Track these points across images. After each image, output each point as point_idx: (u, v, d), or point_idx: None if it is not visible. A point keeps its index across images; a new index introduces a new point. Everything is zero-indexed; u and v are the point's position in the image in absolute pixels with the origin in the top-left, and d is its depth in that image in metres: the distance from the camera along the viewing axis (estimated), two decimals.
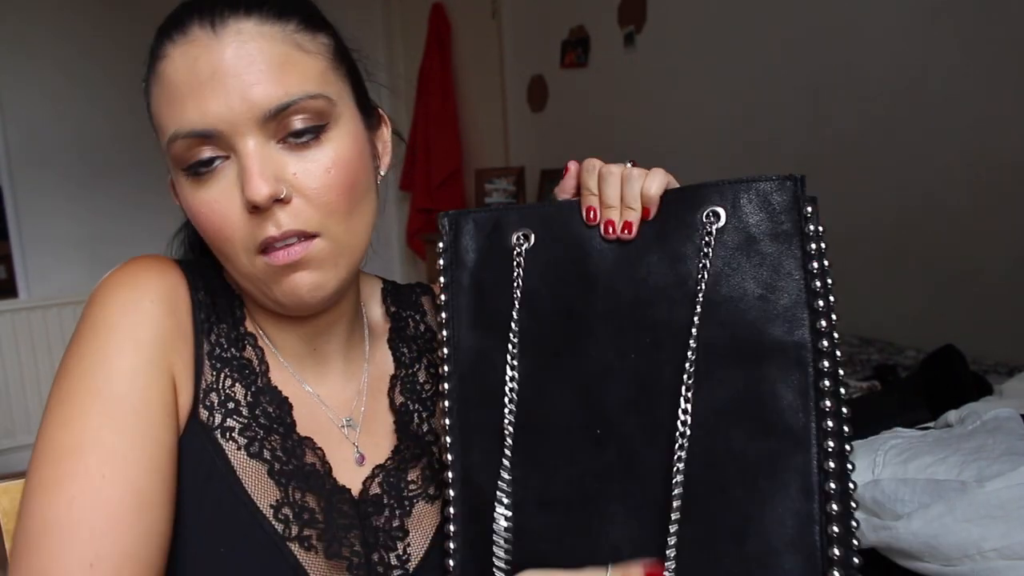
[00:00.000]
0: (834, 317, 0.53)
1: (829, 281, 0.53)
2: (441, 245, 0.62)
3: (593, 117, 3.22)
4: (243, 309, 0.70)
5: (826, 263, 0.53)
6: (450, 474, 0.62)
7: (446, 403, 0.63)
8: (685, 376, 0.51)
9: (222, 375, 0.65)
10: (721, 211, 0.54)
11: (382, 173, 0.70)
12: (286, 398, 0.67)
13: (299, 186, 0.60)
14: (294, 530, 0.63)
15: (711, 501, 0.51)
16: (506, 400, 0.58)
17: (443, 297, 0.63)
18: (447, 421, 0.62)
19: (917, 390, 1.32)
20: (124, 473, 0.56)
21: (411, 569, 0.67)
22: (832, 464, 0.49)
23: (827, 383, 0.50)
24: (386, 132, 0.71)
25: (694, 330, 0.52)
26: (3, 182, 3.44)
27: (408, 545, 0.68)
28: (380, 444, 0.72)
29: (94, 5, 3.53)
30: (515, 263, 0.58)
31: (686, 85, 2.84)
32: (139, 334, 0.60)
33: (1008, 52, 1.99)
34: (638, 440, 0.53)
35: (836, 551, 0.48)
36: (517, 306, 0.57)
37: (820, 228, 0.53)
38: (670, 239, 0.55)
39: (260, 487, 0.63)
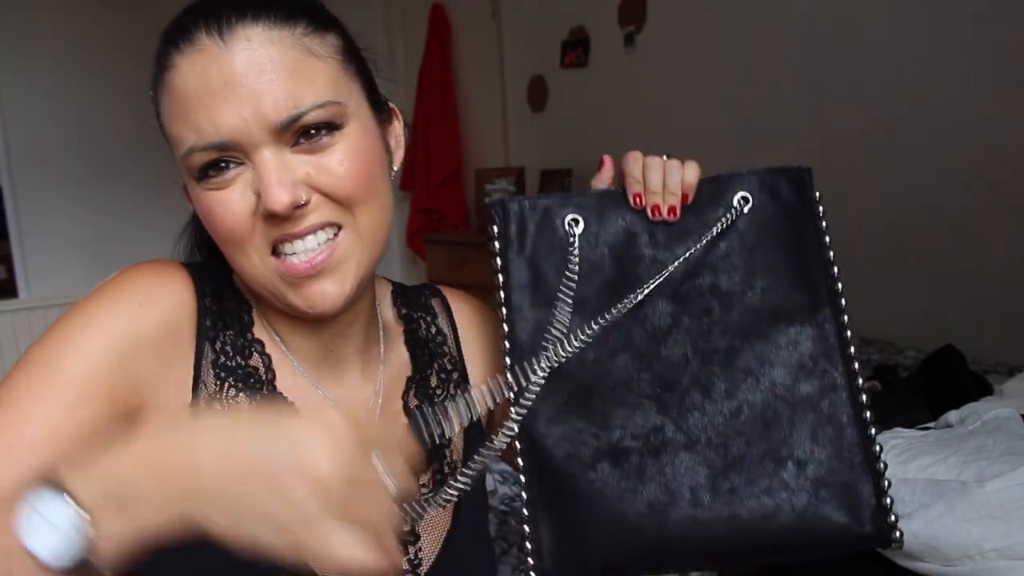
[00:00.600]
0: (840, 283, 0.64)
1: (832, 252, 0.65)
2: (496, 229, 0.64)
3: (593, 117, 3.22)
4: (251, 314, 0.68)
5: (828, 238, 0.65)
6: (518, 444, 0.61)
7: (511, 389, 0.60)
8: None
9: (226, 384, 0.64)
10: (749, 196, 0.64)
11: (395, 168, 0.69)
12: (292, 404, 0.66)
13: (316, 184, 0.60)
14: None
15: (771, 438, 0.60)
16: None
17: (500, 278, 0.65)
18: (514, 410, 0.61)
19: (917, 390, 1.33)
20: (30, 442, 0.54)
21: (423, 573, 0.67)
22: (864, 398, 0.61)
23: (848, 333, 0.62)
24: (398, 127, 0.71)
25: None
26: (3, 182, 3.43)
27: (419, 549, 0.68)
28: None
29: (94, 4, 3.53)
30: (570, 245, 0.62)
31: (686, 85, 2.83)
32: (114, 326, 0.59)
33: (1009, 52, 1.99)
34: (696, 395, 0.61)
35: (880, 466, 0.61)
36: (575, 283, 0.61)
37: (823, 209, 0.65)
38: (709, 220, 0.63)
39: None
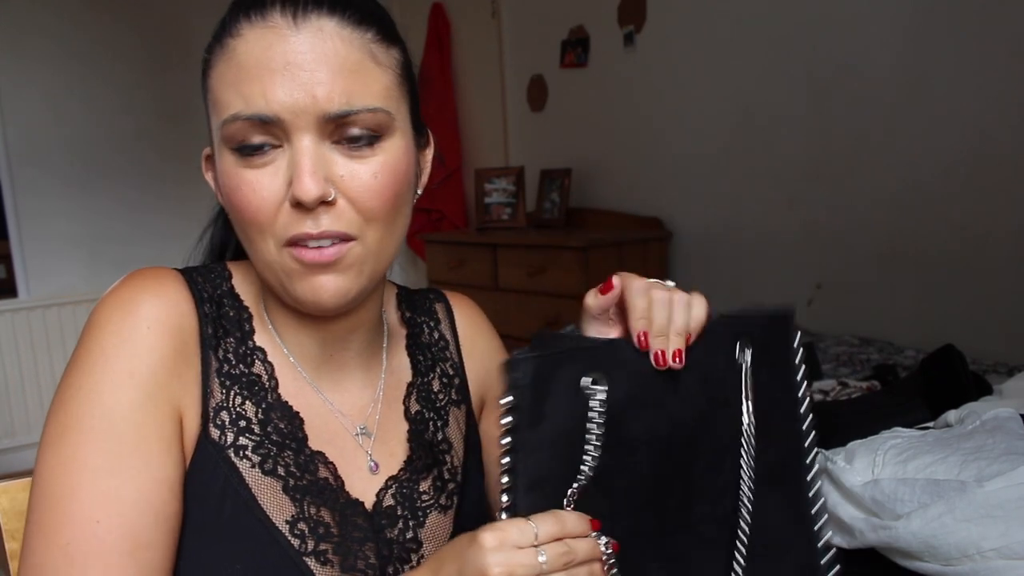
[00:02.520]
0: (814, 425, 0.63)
1: (808, 395, 0.64)
2: (512, 399, 0.53)
3: (593, 117, 3.22)
4: (251, 322, 0.68)
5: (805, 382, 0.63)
6: None
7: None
8: (744, 483, 0.60)
9: (231, 392, 0.64)
10: (749, 343, 0.60)
11: (419, 192, 0.70)
12: (297, 412, 0.67)
13: (345, 188, 0.60)
14: (310, 545, 0.63)
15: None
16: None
17: (506, 460, 0.53)
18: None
19: (917, 390, 1.32)
20: (119, 516, 0.57)
21: None
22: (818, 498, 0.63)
23: (815, 491, 0.63)
24: (429, 153, 0.72)
25: (742, 449, 0.59)
26: (3, 182, 3.43)
27: (422, 556, 0.68)
28: (394, 453, 0.72)
29: (92, 8, 3.53)
30: (596, 412, 0.54)
31: (686, 85, 2.84)
32: (135, 366, 0.59)
33: (1009, 52, 1.99)
34: (706, 532, 0.60)
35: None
36: (598, 450, 0.54)
37: (800, 357, 0.63)
38: (714, 366, 0.60)
39: (275, 503, 0.63)
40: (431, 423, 0.75)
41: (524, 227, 3.29)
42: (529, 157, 3.49)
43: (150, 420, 0.59)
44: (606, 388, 0.54)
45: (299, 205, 0.58)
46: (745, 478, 0.59)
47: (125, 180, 3.63)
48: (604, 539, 0.52)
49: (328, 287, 0.61)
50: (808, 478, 0.62)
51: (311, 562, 0.62)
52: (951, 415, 1.05)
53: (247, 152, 0.59)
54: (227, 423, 0.63)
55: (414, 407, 0.74)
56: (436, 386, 0.77)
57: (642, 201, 3.06)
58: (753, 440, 0.59)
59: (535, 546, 0.49)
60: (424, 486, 0.71)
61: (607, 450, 0.54)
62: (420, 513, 0.69)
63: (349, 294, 0.62)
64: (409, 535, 0.68)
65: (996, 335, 2.03)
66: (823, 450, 0.96)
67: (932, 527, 0.79)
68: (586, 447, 0.53)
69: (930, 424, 1.11)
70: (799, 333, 0.63)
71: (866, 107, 2.30)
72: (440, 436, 0.75)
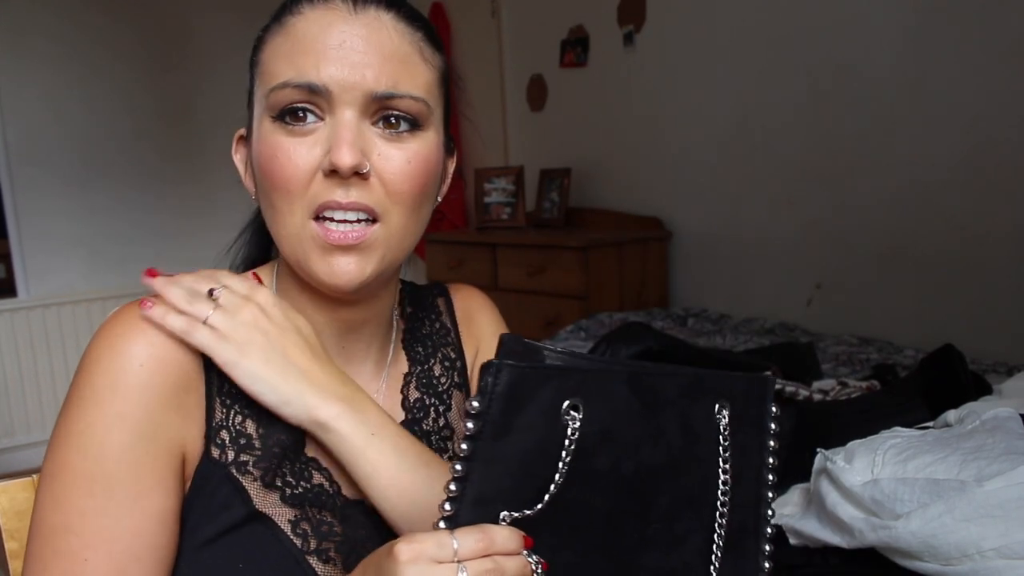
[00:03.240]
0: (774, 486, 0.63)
1: (775, 463, 0.63)
2: (476, 405, 0.47)
3: (593, 117, 3.23)
4: None
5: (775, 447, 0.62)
6: None
7: None
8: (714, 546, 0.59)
9: (232, 411, 0.65)
10: (728, 403, 0.58)
11: (439, 199, 0.73)
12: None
13: (380, 168, 0.62)
14: (312, 544, 0.63)
15: None
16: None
17: (459, 468, 0.48)
18: None
19: (917, 390, 1.32)
20: (107, 555, 0.58)
21: None
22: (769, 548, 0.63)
23: (768, 532, 0.62)
24: (452, 164, 0.74)
25: (716, 511, 0.58)
26: (2, 181, 3.43)
27: None
28: None
29: (92, 8, 3.53)
30: (569, 440, 0.50)
31: (686, 85, 2.84)
32: (126, 408, 0.59)
33: (1008, 52, 1.99)
34: None
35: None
36: (559, 481, 0.50)
37: (773, 417, 0.62)
38: (695, 418, 0.57)
39: (277, 510, 0.64)
40: (432, 409, 0.75)
41: (524, 227, 3.29)
42: (529, 157, 3.50)
43: (143, 458, 0.60)
44: (581, 417, 0.49)
45: (333, 174, 0.60)
46: (716, 539, 0.58)
47: (125, 180, 3.63)
48: (535, 557, 0.49)
49: (347, 268, 0.62)
50: (764, 549, 0.62)
51: (313, 560, 0.63)
52: (951, 415, 1.05)
53: (289, 121, 0.61)
54: (227, 442, 0.64)
55: (413, 395, 0.75)
56: (438, 370, 0.78)
57: (642, 201, 3.06)
58: (728, 500, 0.58)
59: (457, 561, 0.46)
60: None
61: (567, 481, 0.50)
62: None
63: (365, 275, 0.63)
64: None
65: (996, 335, 2.03)
66: (823, 450, 0.96)
67: (932, 527, 0.79)
68: (555, 475, 0.49)
69: (930, 424, 1.11)
70: (774, 403, 0.62)
71: (866, 107, 2.30)
72: (442, 422, 0.75)
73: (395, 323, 0.77)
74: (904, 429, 1.02)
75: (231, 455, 0.64)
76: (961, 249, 2.14)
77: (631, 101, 3.05)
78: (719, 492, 0.58)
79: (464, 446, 0.47)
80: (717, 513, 0.58)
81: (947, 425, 1.04)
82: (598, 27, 3.14)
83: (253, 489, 0.63)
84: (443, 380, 0.77)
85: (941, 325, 2.14)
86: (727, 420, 0.58)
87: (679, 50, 2.84)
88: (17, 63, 3.41)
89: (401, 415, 0.74)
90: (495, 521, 0.49)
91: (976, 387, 1.32)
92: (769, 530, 0.62)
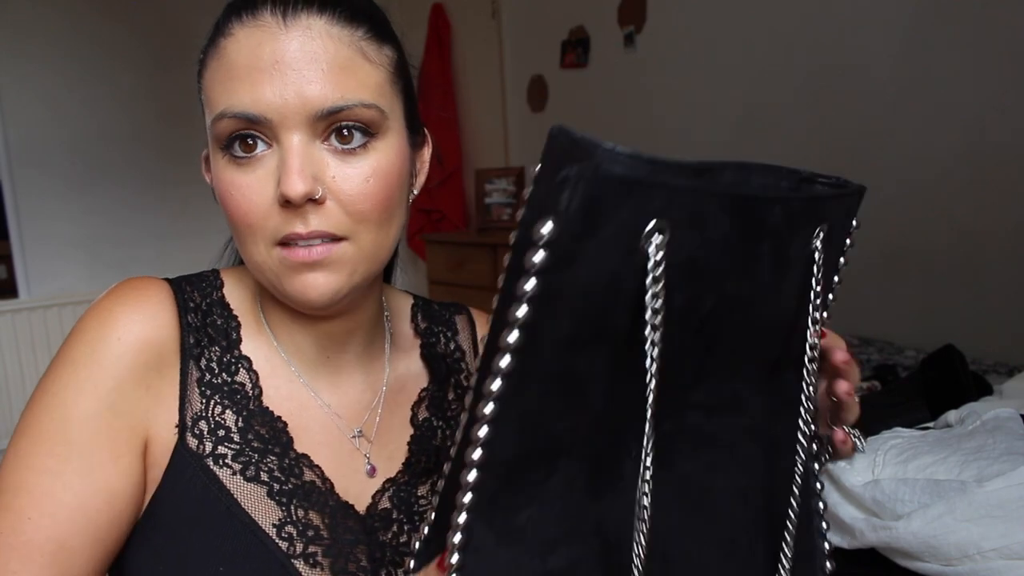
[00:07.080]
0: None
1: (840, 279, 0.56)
2: (551, 227, 0.34)
3: (593, 117, 3.22)
4: (239, 332, 0.68)
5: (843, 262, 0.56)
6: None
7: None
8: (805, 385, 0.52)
9: (211, 402, 0.64)
10: (825, 227, 0.50)
11: (415, 192, 0.69)
12: (279, 418, 0.66)
13: (336, 190, 0.59)
14: (298, 547, 0.62)
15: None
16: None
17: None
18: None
19: (917, 390, 1.32)
20: (50, 517, 0.58)
21: None
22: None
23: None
24: (427, 153, 0.71)
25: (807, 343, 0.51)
26: (3, 182, 3.43)
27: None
28: (394, 457, 0.71)
29: (92, 8, 3.53)
30: (653, 274, 0.38)
31: (686, 85, 2.84)
32: (99, 377, 0.60)
33: (1009, 52, 1.99)
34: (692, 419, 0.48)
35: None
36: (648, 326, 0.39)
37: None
38: (790, 245, 0.48)
39: (261, 508, 0.63)
40: (439, 431, 0.74)
41: None
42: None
43: (104, 429, 0.60)
44: (667, 240, 0.37)
45: (287, 204, 0.58)
46: (806, 375, 0.51)
47: (125, 181, 3.63)
48: None
49: (317, 285, 0.60)
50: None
51: (299, 564, 0.62)
52: (951, 415, 1.05)
53: (237, 154, 0.59)
54: (205, 432, 0.63)
55: (422, 414, 0.74)
56: (451, 395, 0.77)
57: None
58: (817, 341, 0.52)
59: None
60: (423, 491, 0.70)
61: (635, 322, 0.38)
62: (417, 517, 0.69)
63: (340, 293, 0.61)
64: (403, 539, 0.67)
65: (996, 335, 2.03)
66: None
67: (932, 527, 0.79)
68: (643, 321, 0.38)
69: (930, 424, 1.11)
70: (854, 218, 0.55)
71: (866, 107, 2.30)
72: (449, 444, 0.74)
73: (387, 331, 0.76)
74: (905, 429, 1.02)
75: (208, 446, 0.63)
76: (962, 249, 2.14)
77: (632, 102, 3.05)
78: (812, 325, 0.50)
79: (527, 287, 0.34)
80: (808, 345, 0.51)
81: (948, 426, 1.04)
82: (599, 28, 3.14)
83: (232, 484, 0.63)
84: (455, 406, 0.76)
85: (942, 325, 2.14)
86: (820, 247, 0.49)
87: (680, 50, 2.84)
88: (18, 65, 3.41)
89: (409, 430, 0.73)
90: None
91: (977, 387, 1.32)
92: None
